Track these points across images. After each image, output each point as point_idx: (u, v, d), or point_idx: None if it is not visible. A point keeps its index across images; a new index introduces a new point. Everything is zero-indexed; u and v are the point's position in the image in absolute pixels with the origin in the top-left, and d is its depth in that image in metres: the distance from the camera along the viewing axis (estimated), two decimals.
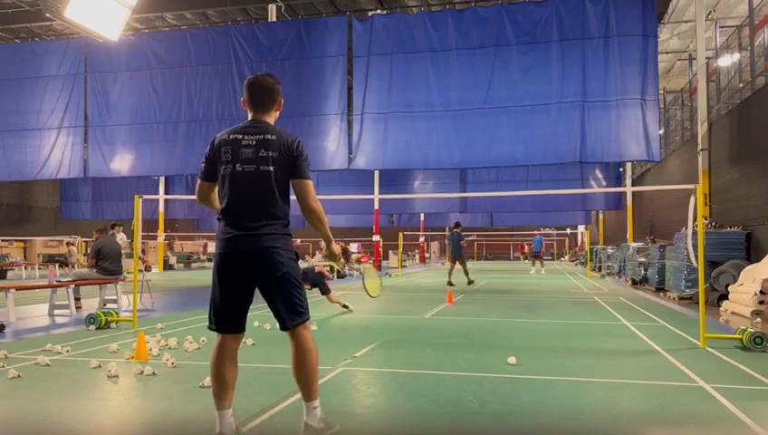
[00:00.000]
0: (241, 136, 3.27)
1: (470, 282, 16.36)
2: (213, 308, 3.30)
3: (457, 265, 16.74)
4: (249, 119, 3.40)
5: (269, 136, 3.25)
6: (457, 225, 17.25)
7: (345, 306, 9.86)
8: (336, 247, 3.54)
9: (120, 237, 18.87)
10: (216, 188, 3.37)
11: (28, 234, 32.03)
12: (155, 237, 29.54)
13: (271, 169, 3.20)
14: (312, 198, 3.27)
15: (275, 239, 3.19)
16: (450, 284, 15.81)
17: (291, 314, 3.22)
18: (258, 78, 3.41)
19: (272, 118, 3.44)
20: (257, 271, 3.19)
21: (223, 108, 17.96)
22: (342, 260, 3.78)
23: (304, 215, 3.28)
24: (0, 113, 19.71)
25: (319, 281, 10.17)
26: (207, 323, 3.36)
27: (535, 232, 27.46)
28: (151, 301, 11.33)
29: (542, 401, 4.22)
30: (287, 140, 3.27)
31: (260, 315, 9.01)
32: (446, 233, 48.97)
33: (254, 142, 3.23)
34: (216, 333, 3.32)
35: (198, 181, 3.43)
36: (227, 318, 3.27)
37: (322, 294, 10.20)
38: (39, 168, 19.53)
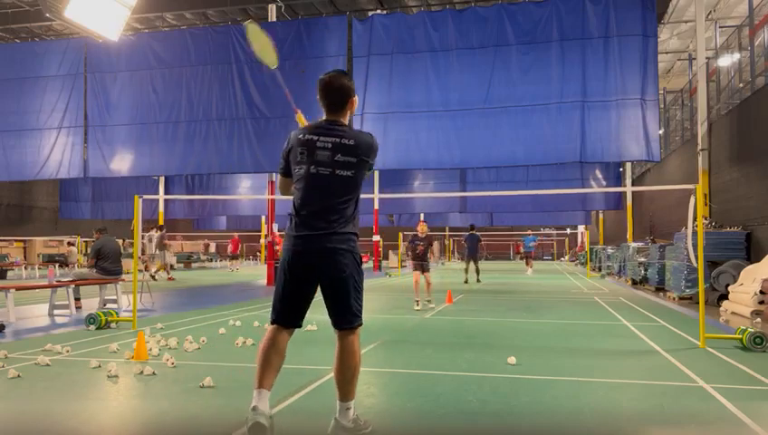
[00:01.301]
0: (316, 137, 3.28)
1: (478, 280, 18.26)
2: (277, 302, 3.36)
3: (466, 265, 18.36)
4: (324, 119, 3.40)
5: (346, 141, 3.27)
6: (473, 227, 19.00)
7: None
8: None
9: (149, 235, 19.03)
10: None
11: (28, 234, 32.02)
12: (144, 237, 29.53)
13: (346, 174, 3.25)
14: None
15: (343, 241, 3.26)
16: (466, 281, 17.83)
17: (346, 317, 3.32)
18: (329, 78, 3.37)
19: (346, 117, 3.43)
20: (322, 270, 3.26)
21: (223, 108, 17.94)
22: None
23: None
24: (0, 113, 19.70)
25: None
26: (270, 316, 3.40)
27: (528, 232, 27.47)
28: (151, 301, 11.33)
29: (542, 401, 4.22)
30: (366, 146, 3.31)
31: (260, 315, 9.01)
32: (451, 234, 48.97)
33: (330, 145, 3.25)
34: (272, 324, 3.38)
35: (279, 177, 3.53)
36: (289, 313, 3.34)
37: None
38: (39, 168, 19.52)
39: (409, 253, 10.88)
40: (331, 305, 3.33)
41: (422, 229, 10.75)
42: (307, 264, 3.26)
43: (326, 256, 3.23)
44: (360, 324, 3.40)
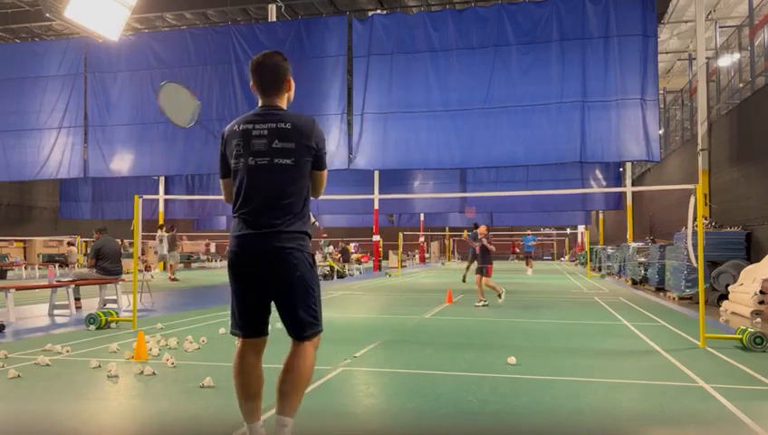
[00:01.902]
0: (251, 126, 2.97)
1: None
2: (232, 311, 3.05)
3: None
4: (259, 105, 3.09)
5: (283, 124, 2.95)
6: (476, 226, 18.54)
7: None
8: None
9: (160, 236, 19.05)
10: None
11: (28, 234, 32.02)
12: (155, 238, 29.53)
13: (285, 162, 2.93)
14: (322, 190, 3.15)
15: (290, 239, 2.91)
16: (464, 280, 17.25)
17: (302, 325, 2.97)
18: (262, 57, 3.09)
19: (283, 101, 3.11)
20: (268, 274, 2.91)
21: (223, 108, 17.95)
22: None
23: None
24: (0, 113, 19.71)
25: None
26: (230, 329, 3.10)
27: (528, 232, 27.48)
28: (151, 301, 11.33)
29: (542, 401, 4.22)
30: (305, 128, 2.98)
31: None
32: (452, 234, 48.98)
33: (266, 132, 2.94)
34: (233, 336, 3.08)
35: (221, 181, 3.15)
36: (245, 321, 3.01)
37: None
38: (39, 168, 19.54)
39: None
40: (283, 313, 2.98)
41: (482, 231, 11.11)
42: (251, 266, 2.91)
43: (272, 257, 2.88)
44: (320, 331, 3.04)
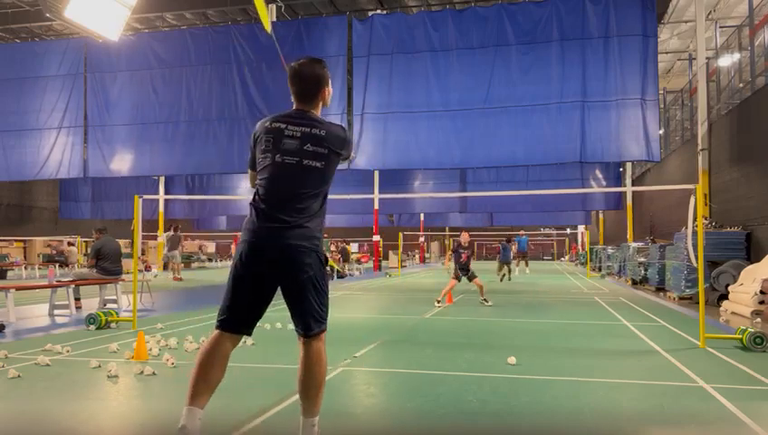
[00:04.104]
0: (284, 125, 3.05)
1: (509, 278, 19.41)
2: (226, 304, 3.01)
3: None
4: (293, 108, 3.16)
5: (317, 131, 3.03)
6: (509, 239, 20.55)
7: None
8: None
9: (166, 235, 19.04)
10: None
11: (28, 234, 32.01)
12: (155, 237, 29.54)
13: (315, 165, 3.01)
14: None
15: (306, 238, 2.95)
16: (502, 279, 18.63)
17: (308, 322, 3.01)
18: (300, 65, 3.16)
19: (318, 108, 3.19)
20: (281, 269, 2.94)
21: (223, 108, 17.94)
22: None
23: None
24: (0, 113, 19.71)
25: None
26: (216, 320, 3.03)
27: (521, 232, 27.54)
28: (151, 301, 11.33)
29: (542, 401, 4.22)
30: (337, 138, 3.07)
31: None
32: (451, 234, 48.92)
33: (299, 134, 3.02)
34: (216, 329, 3.01)
35: (249, 172, 3.24)
36: (239, 317, 2.99)
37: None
38: (39, 168, 19.54)
39: (456, 263, 11.11)
40: (292, 309, 3.02)
41: (465, 238, 11.19)
42: (265, 260, 2.93)
43: (287, 253, 2.91)
44: (324, 330, 3.11)
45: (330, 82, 3.23)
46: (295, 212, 2.96)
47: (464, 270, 10.98)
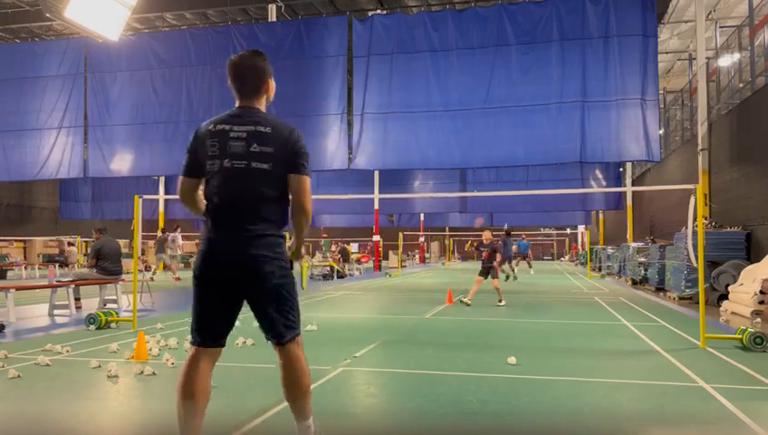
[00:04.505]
0: (228, 127, 2.88)
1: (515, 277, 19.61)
2: (194, 318, 2.90)
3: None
4: (236, 106, 2.99)
5: (262, 128, 2.85)
6: (509, 232, 19.92)
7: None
8: (302, 251, 3.14)
9: (173, 237, 19.10)
10: (202, 187, 2.97)
11: (28, 234, 32.02)
12: (155, 238, 29.51)
13: (265, 166, 2.82)
14: (308, 198, 2.90)
15: (266, 245, 2.81)
16: (507, 278, 18.51)
17: (280, 331, 2.88)
18: (239, 58, 2.98)
19: (262, 103, 3.02)
20: (243, 280, 2.81)
21: (222, 108, 17.70)
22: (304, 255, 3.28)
23: (294, 211, 2.92)
24: (0, 113, 19.70)
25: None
26: (191, 335, 2.94)
27: (522, 235, 27.72)
28: (151, 301, 11.33)
29: (542, 401, 4.22)
30: (284, 133, 2.88)
31: None
32: (451, 234, 48.98)
33: (245, 135, 2.84)
34: (192, 345, 2.91)
35: (180, 178, 3.00)
36: (208, 330, 2.87)
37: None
38: (39, 168, 19.52)
39: (480, 260, 11.47)
40: (261, 320, 2.90)
41: (486, 237, 11.47)
42: (222, 271, 2.80)
43: (248, 264, 2.78)
44: (299, 333, 2.95)
45: (272, 74, 3.04)
46: (251, 220, 2.81)
47: (485, 268, 11.25)
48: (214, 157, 2.86)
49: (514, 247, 22.94)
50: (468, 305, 10.76)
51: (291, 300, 2.91)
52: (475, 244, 11.87)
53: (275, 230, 2.87)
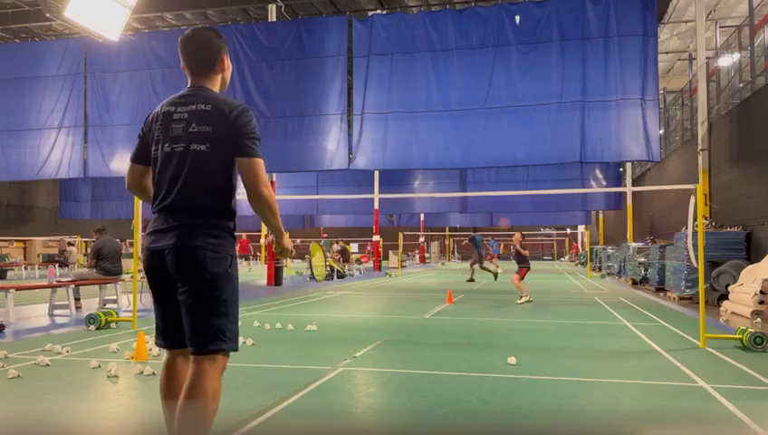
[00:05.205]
0: (173, 108, 2.65)
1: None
2: (155, 318, 2.72)
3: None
4: (188, 85, 2.77)
5: (203, 106, 2.59)
6: (474, 229, 20.43)
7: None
8: (288, 243, 2.79)
9: None
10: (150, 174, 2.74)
11: (28, 234, 32.03)
12: None
13: (203, 148, 2.54)
14: (262, 182, 2.55)
15: (203, 236, 2.53)
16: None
17: (203, 335, 2.50)
18: (191, 33, 2.77)
19: (215, 83, 2.77)
20: (176, 273, 2.54)
21: None
22: (293, 253, 2.99)
23: (251, 201, 2.58)
24: (0, 113, 19.71)
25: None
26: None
27: (490, 236, 27.88)
28: (151, 301, 11.33)
29: (542, 401, 4.22)
30: (226, 111, 2.58)
31: (259, 316, 8.99)
32: (451, 234, 48.97)
33: (187, 115, 2.60)
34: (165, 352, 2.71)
35: (129, 164, 2.80)
36: (169, 330, 2.65)
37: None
38: (39, 168, 19.52)
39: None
40: (185, 320, 2.54)
41: (516, 238, 11.93)
42: (161, 265, 2.56)
43: (181, 255, 2.51)
44: (220, 351, 2.52)
45: (227, 52, 2.81)
46: (188, 208, 2.55)
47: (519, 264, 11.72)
48: (158, 141, 2.66)
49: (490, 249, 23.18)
50: (531, 302, 11.40)
51: (226, 303, 2.56)
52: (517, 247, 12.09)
53: (213, 219, 2.58)
